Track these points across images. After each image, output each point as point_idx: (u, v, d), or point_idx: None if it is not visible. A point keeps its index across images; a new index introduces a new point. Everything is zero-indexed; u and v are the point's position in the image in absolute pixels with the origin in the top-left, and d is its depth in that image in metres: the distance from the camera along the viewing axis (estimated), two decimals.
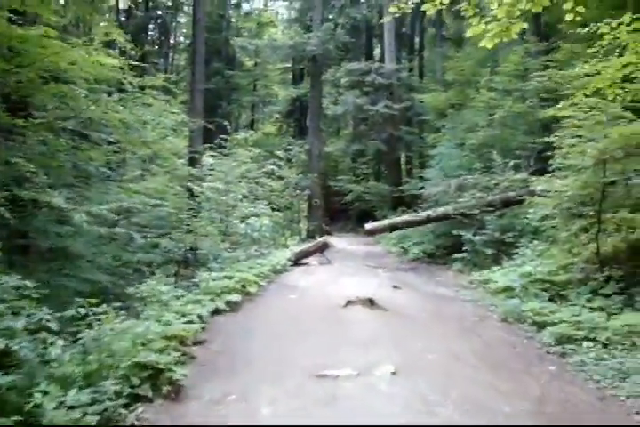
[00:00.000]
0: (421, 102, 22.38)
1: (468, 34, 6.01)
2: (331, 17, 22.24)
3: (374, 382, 4.37)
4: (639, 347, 5.16)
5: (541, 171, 11.01)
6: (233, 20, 35.79)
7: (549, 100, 13.74)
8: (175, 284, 7.67)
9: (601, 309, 6.44)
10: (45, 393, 3.49)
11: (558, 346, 5.52)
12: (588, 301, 6.80)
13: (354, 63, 23.34)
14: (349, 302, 7.17)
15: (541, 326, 6.19)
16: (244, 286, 8.14)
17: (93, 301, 4.49)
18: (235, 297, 7.35)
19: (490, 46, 5.86)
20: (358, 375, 4.52)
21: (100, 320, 4.42)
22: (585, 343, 5.41)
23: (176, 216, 9.82)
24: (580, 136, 8.00)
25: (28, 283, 4.04)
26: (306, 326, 6.36)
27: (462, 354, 5.18)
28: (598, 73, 7.39)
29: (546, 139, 11.66)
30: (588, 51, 7.56)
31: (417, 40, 32.16)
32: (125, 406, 3.83)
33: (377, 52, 31.25)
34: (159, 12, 28.00)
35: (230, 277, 8.10)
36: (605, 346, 5.32)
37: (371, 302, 7.11)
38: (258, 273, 9.38)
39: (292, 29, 23.00)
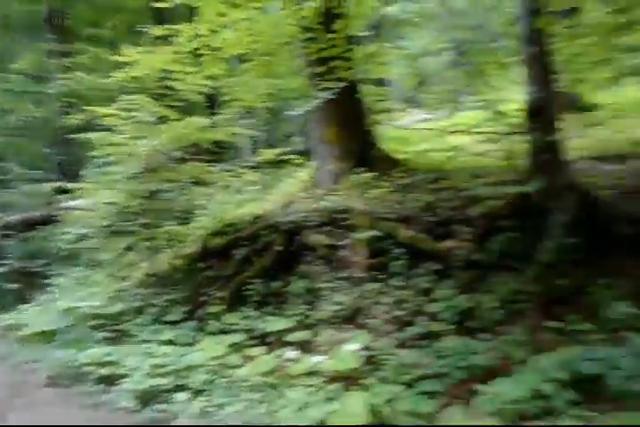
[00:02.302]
0: None
1: None
2: None
3: None
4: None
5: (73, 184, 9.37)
6: None
7: (77, 105, 12.23)
8: None
9: (171, 342, 5.27)
10: None
11: (146, 409, 3.89)
12: (155, 333, 5.53)
13: None
14: None
15: (113, 381, 4.49)
16: None
17: None
18: None
19: None
20: None
21: None
22: (178, 395, 4.01)
23: None
24: (123, 138, 6.76)
25: None
26: None
27: None
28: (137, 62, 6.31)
29: (80, 144, 10.02)
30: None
31: None
32: None
33: None
34: None
35: None
36: (201, 392, 4.05)
37: None
38: None
39: None
